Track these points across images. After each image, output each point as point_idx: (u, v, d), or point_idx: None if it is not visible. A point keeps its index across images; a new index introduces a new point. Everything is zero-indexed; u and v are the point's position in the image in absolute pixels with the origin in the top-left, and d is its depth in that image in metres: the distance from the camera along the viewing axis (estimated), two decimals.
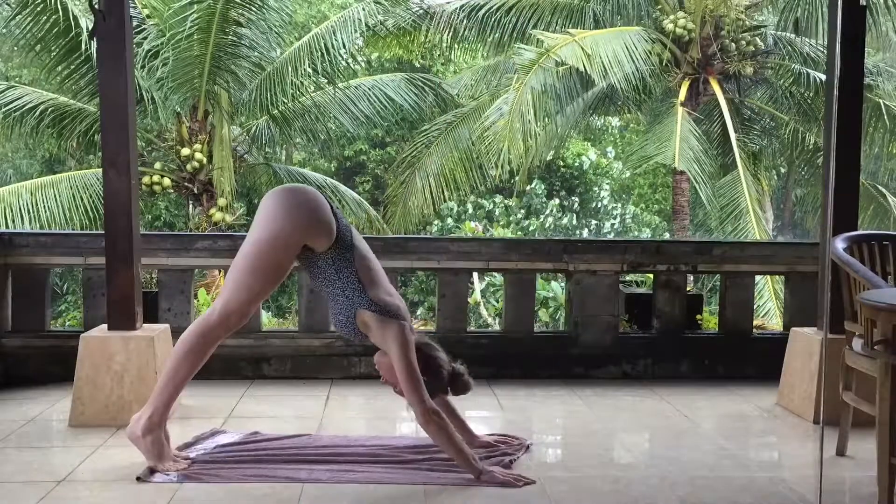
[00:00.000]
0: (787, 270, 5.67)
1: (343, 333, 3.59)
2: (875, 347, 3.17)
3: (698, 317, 6.17)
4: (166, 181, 11.01)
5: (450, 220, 14.62)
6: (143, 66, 9.97)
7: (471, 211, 14.98)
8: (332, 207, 3.52)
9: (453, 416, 3.76)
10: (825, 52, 10.02)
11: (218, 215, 10.80)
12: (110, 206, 4.32)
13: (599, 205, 17.00)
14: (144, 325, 4.49)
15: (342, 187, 12.39)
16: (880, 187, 12.77)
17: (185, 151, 10.78)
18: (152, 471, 3.41)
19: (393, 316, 3.43)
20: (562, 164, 17.03)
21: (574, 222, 15.93)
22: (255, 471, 3.46)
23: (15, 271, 5.22)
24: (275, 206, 3.44)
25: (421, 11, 12.41)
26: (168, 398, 3.48)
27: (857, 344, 3.55)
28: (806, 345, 4.57)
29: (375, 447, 3.77)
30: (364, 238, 3.69)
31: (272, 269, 3.44)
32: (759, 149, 12.92)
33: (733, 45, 11.96)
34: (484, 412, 4.60)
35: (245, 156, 12.26)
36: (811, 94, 11.92)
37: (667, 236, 16.40)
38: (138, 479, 3.35)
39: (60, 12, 9.18)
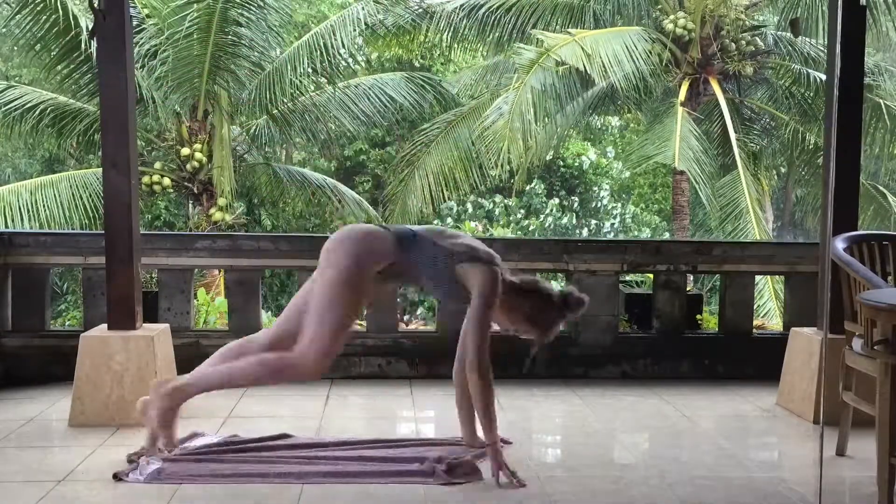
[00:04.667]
0: (787, 270, 5.66)
1: (451, 300, 3.66)
2: (875, 347, 3.18)
3: (698, 317, 6.17)
4: (166, 181, 11.00)
5: (450, 220, 14.62)
6: (142, 66, 9.97)
7: (471, 210, 14.98)
8: (382, 225, 3.64)
9: (465, 409, 3.78)
10: (825, 52, 10.02)
11: (218, 215, 10.80)
12: (110, 205, 4.32)
13: (599, 205, 17.00)
14: (144, 324, 4.49)
15: (342, 187, 12.38)
16: (880, 187, 12.76)
17: (185, 151, 10.78)
18: (130, 462, 3.44)
19: (485, 261, 3.48)
20: (562, 163, 17.03)
21: (574, 222, 15.92)
22: (231, 470, 3.47)
23: (15, 271, 5.22)
24: (338, 256, 3.50)
25: (420, 10, 12.40)
26: (205, 385, 3.60)
27: (857, 344, 3.55)
28: (806, 345, 4.57)
29: (348, 449, 3.77)
30: None
31: (343, 311, 3.48)
32: (759, 149, 12.92)
33: (733, 44, 11.96)
34: None
35: (245, 155, 12.27)
36: (811, 94, 11.92)
37: (667, 236, 16.40)
38: (115, 476, 3.36)
39: (60, 12, 9.18)
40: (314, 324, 3.46)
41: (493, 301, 3.45)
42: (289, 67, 10.68)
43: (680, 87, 12.01)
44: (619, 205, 17.63)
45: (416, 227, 3.66)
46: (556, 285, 8.99)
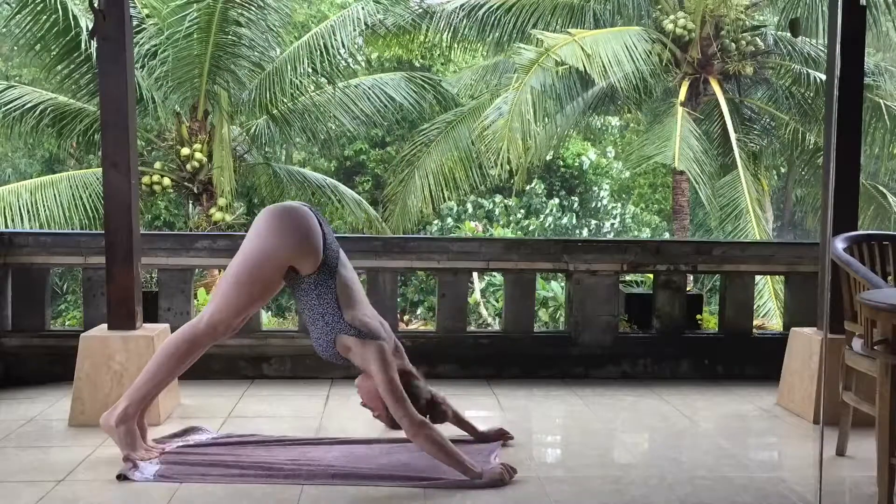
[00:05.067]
0: (787, 270, 5.66)
1: (324, 357, 3.66)
2: (875, 347, 3.17)
3: (698, 317, 6.17)
4: (166, 181, 11.00)
5: (449, 220, 14.62)
6: (142, 66, 9.98)
7: (470, 210, 14.98)
8: (323, 230, 3.57)
9: (455, 417, 3.81)
10: (825, 52, 10.02)
11: (218, 215, 10.81)
12: (110, 205, 4.32)
13: (599, 205, 17.00)
14: (144, 324, 4.49)
15: (342, 187, 12.38)
16: (880, 187, 12.77)
17: (185, 151, 10.78)
18: (132, 466, 3.43)
19: (372, 336, 3.50)
20: (561, 163, 17.02)
21: (574, 222, 15.92)
22: (231, 470, 3.46)
23: (15, 271, 5.22)
24: (267, 224, 3.54)
25: (420, 10, 12.41)
26: (144, 395, 3.62)
27: (857, 344, 3.55)
28: (806, 345, 4.57)
29: (344, 449, 3.78)
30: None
31: (259, 285, 3.56)
32: (759, 149, 12.93)
33: (733, 45, 11.97)
34: (484, 412, 4.60)
35: (245, 155, 12.26)
36: (811, 94, 11.92)
37: (667, 236, 16.40)
38: (118, 476, 3.37)
39: (60, 12, 9.19)
40: (221, 294, 3.54)
41: (392, 371, 3.45)
42: (289, 67, 10.68)
43: (680, 87, 12.02)
44: (619, 205, 17.63)
45: (342, 257, 3.61)
46: (557, 285, 9.03)
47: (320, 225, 3.58)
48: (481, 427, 3.94)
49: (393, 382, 3.42)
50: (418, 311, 14.11)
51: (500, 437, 3.91)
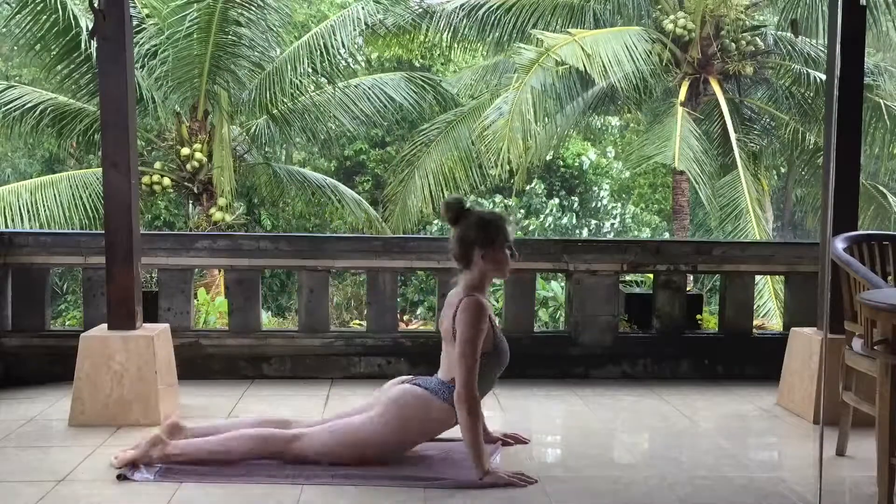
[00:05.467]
0: (787, 270, 5.66)
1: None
2: (875, 347, 3.17)
3: (698, 317, 6.17)
4: (166, 181, 11.01)
5: None
6: (142, 66, 9.98)
7: None
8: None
9: None
10: (825, 52, 10.02)
11: (218, 215, 10.81)
12: (110, 205, 4.32)
13: (599, 205, 16.99)
14: (144, 324, 4.49)
15: (342, 187, 12.39)
16: (880, 187, 12.77)
17: (185, 151, 10.79)
18: (132, 468, 3.43)
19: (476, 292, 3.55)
20: (561, 163, 17.02)
21: (574, 222, 15.92)
22: (231, 470, 3.45)
23: (15, 271, 5.22)
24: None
25: (420, 10, 12.40)
26: (195, 456, 3.53)
27: (857, 344, 3.55)
28: (806, 345, 4.57)
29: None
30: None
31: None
32: (759, 149, 12.92)
33: (733, 45, 11.97)
34: (484, 412, 4.56)
35: (245, 155, 12.26)
36: (811, 94, 11.92)
37: (667, 236, 16.40)
38: (119, 477, 3.36)
39: (60, 12, 9.19)
40: (331, 431, 3.52)
41: (480, 336, 3.47)
42: (289, 67, 10.68)
43: (680, 87, 12.02)
44: (619, 205, 17.62)
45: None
46: (557, 285, 9.02)
47: None
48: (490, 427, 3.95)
49: (474, 346, 3.45)
50: (418, 311, 14.11)
51: (515, 440, 3.92)
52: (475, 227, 3.62)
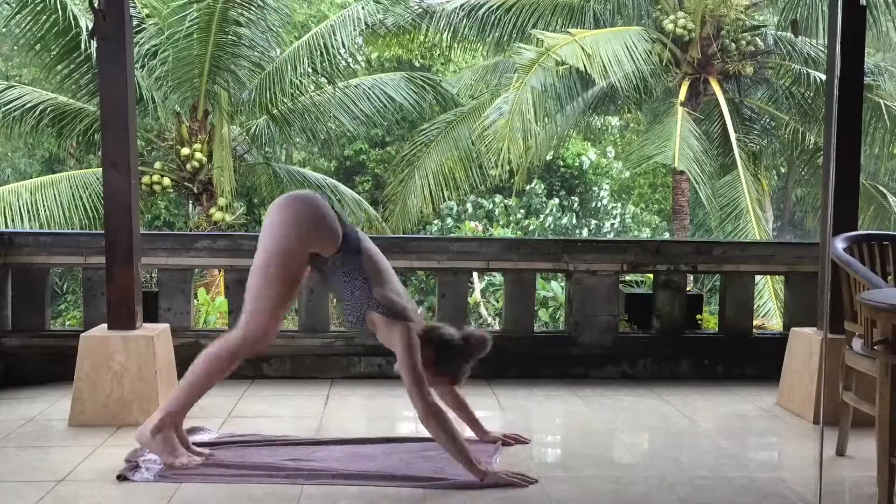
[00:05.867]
0: (787, 270, 5.66)
1: (354, 331, 3.75)
2: (875, 347, 3.17)
3: (698, 317, 6.17)
4: (166, 181, 11.01)
5: (449, 220, 14.61)
6: (142, 66, 9.98)
7: (470, 210, 14.97)
8: (337, 213, 3.55)
9: (463, 410, 3.83)
10: (825, 52, 10.02)
11: (218, 215, 10.81)
12: (110, 205, 4.32)
13: (599, 205, 16.99)
14: (144, 324, 4.49)
15: (342, 187, 12.39)
16: (880, 187, 12.77)
17: (185, 151, 10.79)
18: (133, 466, 3.43)
19: (399, 317, 3.46)
20: (561, 163, 17.02)
21: (574, 222, 15.91)
22: (232, 470, 3.47)
23: (15, 271, 5.22)
24: (280, 216, 3.48)
25: (420, 10, 12.41)
26: (182, 406, 3.55)
27: (857, 344, 3.55)
28: (806, 345, 4.57)
29: (346, 449, 3.78)
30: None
31: (286, 279, 3.48)
32: (759, 149, 12.93)
33: (733, 45, 11.97)
34: (484, 412, 4.58)
35: (245, 155, 12.27)
36: (811, 94, 11.92)
37: (667, 236, 16.40)
38: (119, 477, 3.36)
39: (60, 12, 9.19)
40: (250, 300, 3.48)
41: (416, 354, 3.43)
42: (289, 67, 10.68)
43: (680, 87, 12.02)
44: (619, 205, 17.62)
45: (363, 237, 3.60)
46: (557, 285, 9.02)
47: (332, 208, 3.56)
48: (486, 427, 3.95)
49: (415, 366, 3.40)
50: (418, 311, 14.07)
51: (515, 441, 3.91)
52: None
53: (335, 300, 3.55)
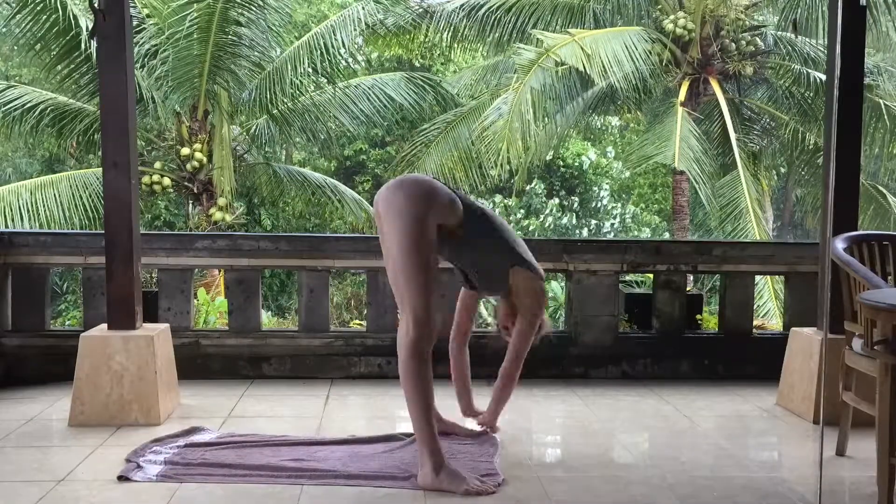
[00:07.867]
0: (787, 270, 5.66)
1: (492, 293, 3.96)
2: (875, 347, 3.18)
3: (698, 317, 6.17)
4: (166, 181, 11.01)
5: None
6: (142, 66, 9.98)
7: None
8: (447, 185, 3.58)
9: (466, 378, 4.08)
10: (825, 52, 10.02)
11: (218, 215, 10.81)
12: (110, 205, 4.32)
13: (599, 205, 17.01)
14: (144, 324, 4.49)
15: (342, 187, 12.39)
16: (880, 187, 12.76)
17: (185, 151, 10.79)
18: (134, 466, 3.44)
19: (539, 276, 3.76)
20: (561, 163, 17.03)
21: (574, 222, 15.93)
22: (232, 470, 3.46)
23: (15, 271, 5.22)
24: (400, 200, 3.37)
25: (421, 10, 12.41)
26: (429, 430, 3.34)
27: (857, 344, 3.55)
28: (806, 345, 4.57)
29: (347, 449, 3.77)
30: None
31: (429, 261, 3.36)
32: (759, 149, 12.92)
33: (733, 45, 11.97)
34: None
35: (245, 155, 12.27)
36: (811, 94, 11.91)
37: (667, 236, 16.40)
38: (119, 477, 3.36)
39: (60, 12, 9.18)
40: (407, 295, 3.32)
41: (542, 316, 3.70)
42: (289, 67, 10.68)
43: (680, 87, 12.02)
44: (619, 205, 17.64)
45: (480, 205, 3.72)
46: (557, 285, 9.02)
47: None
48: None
49: (538, 323, 3.79)
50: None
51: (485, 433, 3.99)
52: None
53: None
